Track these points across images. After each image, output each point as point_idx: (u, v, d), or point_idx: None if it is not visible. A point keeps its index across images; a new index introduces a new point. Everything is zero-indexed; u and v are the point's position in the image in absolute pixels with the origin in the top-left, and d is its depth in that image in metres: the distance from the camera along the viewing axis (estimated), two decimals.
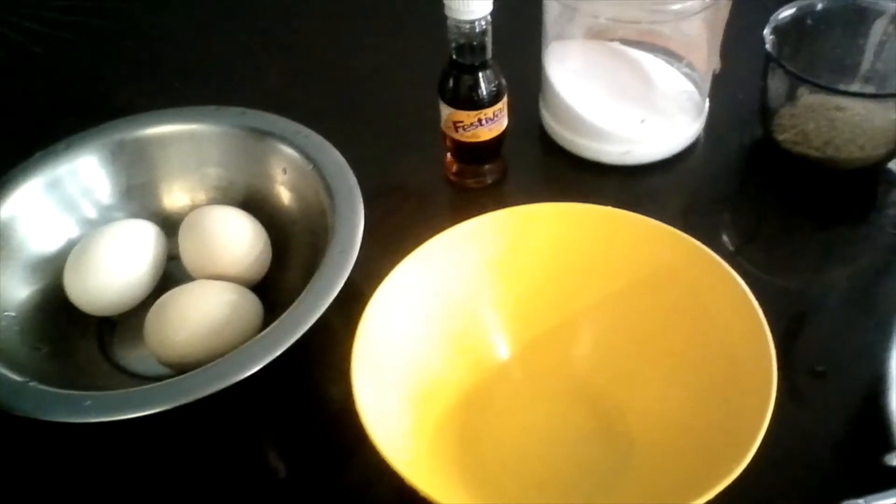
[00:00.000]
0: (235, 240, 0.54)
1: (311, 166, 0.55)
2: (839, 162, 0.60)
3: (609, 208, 0.49)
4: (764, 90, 0.62)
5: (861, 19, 0.62)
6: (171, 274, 0.56)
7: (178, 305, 0.51)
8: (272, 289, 0.55)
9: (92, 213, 0.57)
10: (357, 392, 0.41)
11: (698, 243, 0.47)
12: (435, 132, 0.61)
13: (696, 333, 0.46)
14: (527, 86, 0.66)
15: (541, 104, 0.67)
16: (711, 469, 0.38)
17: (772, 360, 0.41)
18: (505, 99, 0.58)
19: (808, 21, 0.62)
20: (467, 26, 0.54)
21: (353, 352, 0.43)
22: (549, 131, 0.66)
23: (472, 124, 0.58)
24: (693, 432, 0.43)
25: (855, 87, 0.63)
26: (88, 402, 0.44)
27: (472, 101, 0.57)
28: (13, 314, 0.52)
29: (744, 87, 0.65)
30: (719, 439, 0.41)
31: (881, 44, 0.63)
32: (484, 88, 0.57)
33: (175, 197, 0.59)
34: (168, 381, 0.45)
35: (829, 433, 0.48)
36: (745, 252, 0.58)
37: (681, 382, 0.46)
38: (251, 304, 0.52)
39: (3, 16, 0.84)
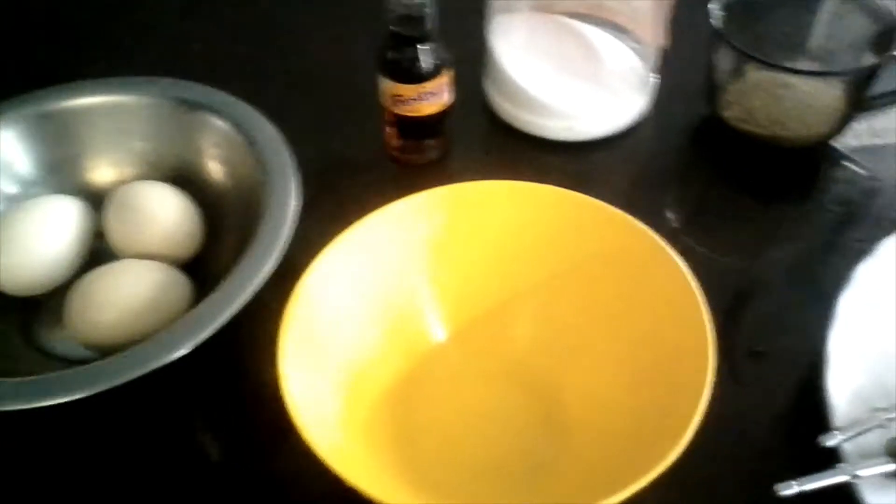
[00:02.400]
0: (163, 216, 0.52)
1: (243, 140, 0.52)
2: (785, 139, 0.60)
3: (551, 187, 0.48)
4: (710, 67, 0.61)
5: None
6: (97, 252, 0.53)
7: (101, 285, 0.48)
8: (204, 267, 0.53)
9: (12, 189, 0.54)
10: (284, 377, 0.40)
11: (639, 224, 0.46)
12: (375, 105, 0.59)
13: (635, 315, 0.45)
14: (471, 59, 0.64)
15: (485, 78, 0.65)
16: (650, 452, 0.38)
17: (709, 341, 0.40)
18: (448, 73, 0.57)
19: None
20: None
21: (280, 333, 0.41)
22: (494, 106, 0.65)
23: (413, 98, 0.56)
24: (631, 415, 0.43)
25: (802, 65, 0.63)
26: (6, 388, 0.42)
27: (412, 75, 0.55)
28: None
29: (691, 63, 0.64)
30: (657, 422, 0.40)
31: (828, 21, 0.62)
32: (425, 61, 0.55)
33: (101, 172, 0.56)
34: (89, 365, 0.43)
35: (768, 414, 0.47)
36: (690, 230, 0.58)
37: (620, 365, 0.45)
38: (179, 284, 0.50)
39: None
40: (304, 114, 0.64)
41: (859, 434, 0.41)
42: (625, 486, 0.36)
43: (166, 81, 0.56)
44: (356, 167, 0.62)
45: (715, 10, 0.58)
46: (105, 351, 0.47)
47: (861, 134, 0.63)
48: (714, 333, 0.41)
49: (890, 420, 0.42)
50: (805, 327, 0.50)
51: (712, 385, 0.39)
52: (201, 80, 0.57)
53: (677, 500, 0.42)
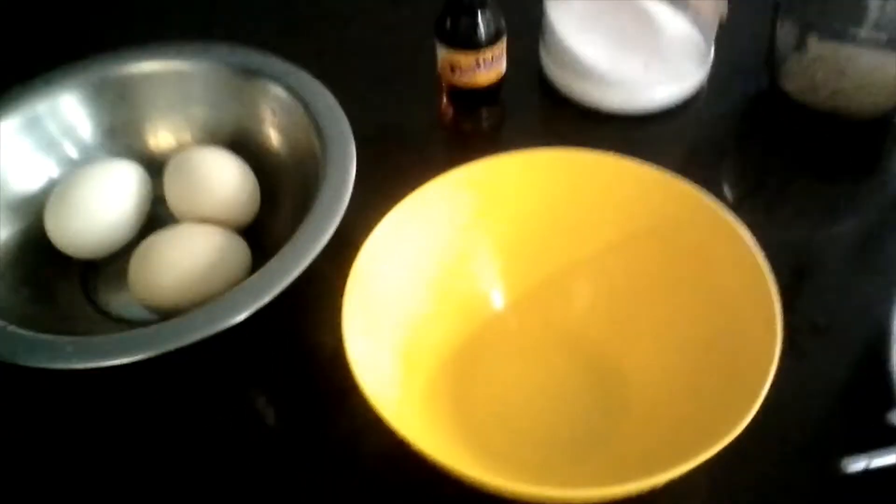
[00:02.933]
0: (222, 182, 0.52)
1: (301, 108, 0.52)
2: (847, 113, 0.59)
3: (609, 155, 0.48)
4: (772, 38, 0.60)
5: None
6: (156, 216, 0.54)
7: (163, 249, 0.49)
8: (261, 233, 0.53)
9: (73, 153, 0.55)
10: (348, 341, 0.40)
11: (701, 193, 0.45)
12: (431, 74, 0.59)
13: (696, 286, 0.45)
14: (526, 29, 0.64)
15: (541, 49, 0.65)
16: (710, 428, 0.37)
17: (776, 315, 0.39)
18: (504, 41, 0.56)
19: None
20: None
21: (343, 300, 0.41)
22: (550, 77, 0.64)
23: (469, 67, 0.56)
24: (691, 389, 0.42)
25: (865, 36, 0.61)
26: (70, 348, 0.43)
27: (470, 42, 0.55)
28: None
29: (750, 35, 0.63)
30: (719, 397, 0.40)
31: None
32: (483, 29, 0.55)
33: (160, 137, 0.57)
34: (152, 326, 0.44)
35: (831, 390, 0.47)
36: (747, 204, 0.57)
37: (680, 337, 0.44)
38: (239, 249, 0.50)
39: None
40: (358, 81, 0.64)
41: None
42: (683, 461, 0.36)
43: (224, 48, 0.56)
44: (410, 135, 0.62)
45: None
46: (166, 313, 0.48)
47: None
48: (780, 310, 0.40)
49: None
50: (867, 302, 0.50)
51: (778, 361, 0.38)
52: (257, 46, 0.57)
53: (736, 474, 0.42)
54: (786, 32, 0.59)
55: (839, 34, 0.56)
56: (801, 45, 0.58)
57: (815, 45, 0.58)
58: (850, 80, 0.57)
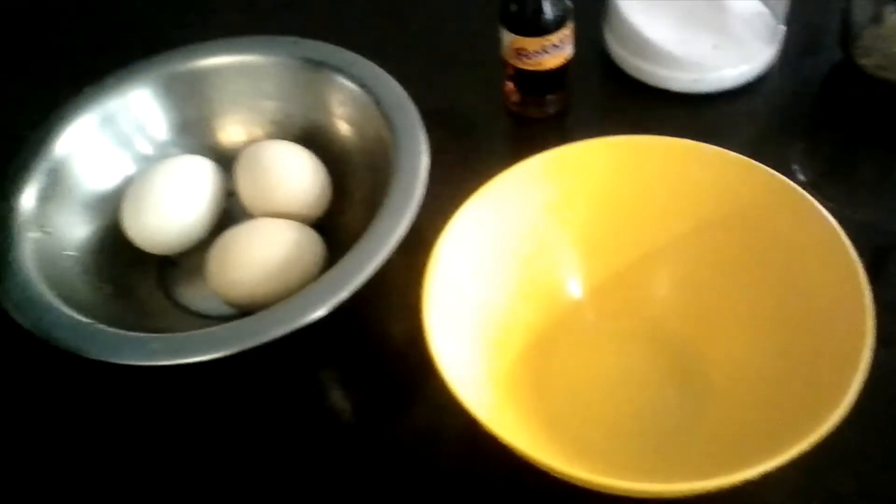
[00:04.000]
0: (294, 176, 0.52)
1: (370, 99, 0.52)
2: None
3: (683, 140, 0.47)
4: (846, 10, 0.58)
5: None
6: (228, 211, 0.55)
7: (241, 244, 0.49)
8: (333, 227, 0.53)
9: (147, 149, 0.56)
10: (430, 334, 0.40)
11: (780, 176, 0.44)
12: (494, 59, 0.59)
13: (779, 273, 0.44)
14: (589, 11, 0.63)
15: (605, 30, 0.64)
16: (796, 424, 0.36)
17: (867, 304, 0.38)
18: (571, 25, 0.55)
19: None
20: None
21: (423, 293, 0.41)
22: (615, 58, 0.63)
23: (535, 52, 0.55)
24: (777, 383, 0.41)
25: None
26: (155, 345, 0.44)
27: (536, 27, 0.54)
28: (74, 254, 0.51)
29: (821, 9, 0.61)
30: (806, 391, 0.39)
31: None
32: (549, 13, 0.54)
33: (231, 131, 0.57)
34: (235, 322, 0.44)
35: None
36: (822, 185, 0.55)
37: (763, 328, 0.44)
38: (314, 243, 0.50)
39: None
40: (422, 70, 0.63)
41: None
42: (766, 459, 0.34)
43: (291, 40, 0.56)
44: (475, 123, 0.62)
45: None
46: (244, 308, 0.48)
47: None
48: (872, 298, 0.39)
49: None
50: None
51: (871, 353, 0.37)
52: (320, 38, 0.57)
53: (825, 469, 0.41)
54: (861, 5, 0.57)
55: None
56: (877, 17, 0.57)
57: (893, 17, 0.56)
58: None
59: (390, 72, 0.54)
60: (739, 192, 0.45)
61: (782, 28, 0.61)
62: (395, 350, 0.51)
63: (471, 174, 0.47)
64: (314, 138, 0.55)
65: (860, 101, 0.60)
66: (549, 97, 0.60)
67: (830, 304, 0.41)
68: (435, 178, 0.49)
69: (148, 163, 0.55)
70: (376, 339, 0.51)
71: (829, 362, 0.39)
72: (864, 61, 0.58)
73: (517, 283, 0.47)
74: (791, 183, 0.44)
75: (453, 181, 0.47)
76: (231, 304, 0.50)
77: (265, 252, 0.48)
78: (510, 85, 0.59)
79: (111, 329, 0.45)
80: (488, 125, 0.62)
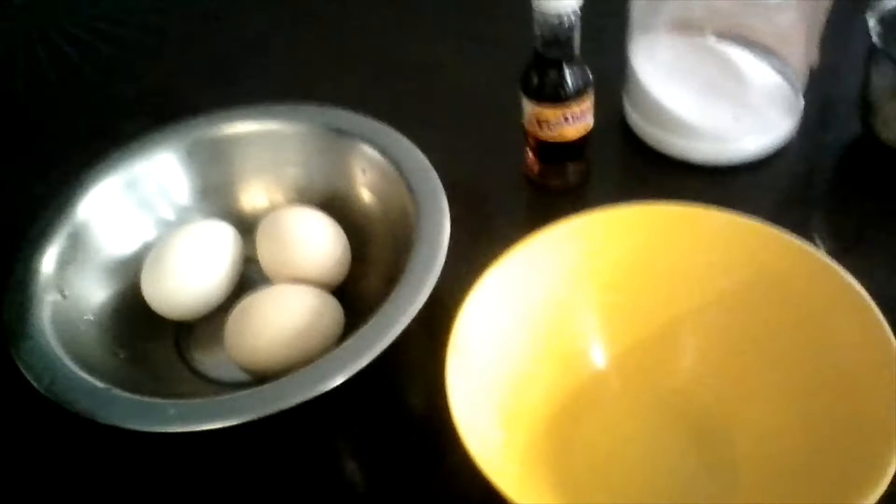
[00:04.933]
0: (315, 242, 0.52)
1: (392, 167, 0.53)
2: None
3: (706, 208, 0.47)
4: (866, 84, 0.58)
5: None
6: (247, 277, 0.54)
7: (259, 310, 0.49)
8: (352, 294, 0.53)
9: (169, 214, 0.56)
10: (453, 404, 0.39)
11: (808, 245, 0.44)
12: (514, 128, 0.59)
13: (808, 344, 0.43)
14: (607, 81, 0.63)
15: (625, 100, 0.64)
16: (831, 499, 0.35)
17: None
18: (591, 94, 0.56)
19: None
20: (555, 19, 0.52)
21: (446, 361, 0.41)
22: (635, 128, 0.63)
23: (557, 122, 0.56)
24: (807, 458, 0.40)
25: None
26: (172, 411, 0.43)
27: (558, 97, 0.55)
28: (91, 318, 0.51)
29: (840, 82, 0.62)
30: (840, 466, 0.38)
31: None
32: (571, 83, 0.55)
33: (252, 197, 0.58)
34: (253, 389, 0.44)
35: None
36: (845, 258, 0.55)
37: (792, 400, 0.43)
38: (333, 310, 0.50)
39: (75, 18, 0.83)
40: (442, 137, 0.63)
41: None
42: None
43: (314, 108, 0.57)
44: (495, 191, 0.62)
45: (873, 24, 0.56)
46: (261, 375, 0.48)
47: None
48: None
49: None
50: None
51: None
52: (345, 106, 0.57)
53: None
54: (881, 77, 0.57)
55: None
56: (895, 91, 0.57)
57: None
58: None
59: (413, 140, 0.54)
60: (766, 260, 0.45)
61: (802, 100, 0.62)
62: (413, 419, 0.50)
63: (491, 243, 0.47)
64: (336, 205, 0.55)
65: (882, 173, 0.60)
66: (570, 167, 0.60)
67: (862, 376, 0.40)
68: (455, 247, 0.49)
69: (169, 228, 0.55)
70: (395, 407, 0.50)
71: (863, 436, 0.38)
72: (885, 134, 0.58)
73: (540, 351, 0.46)
74: (819, 252, 0.43)
75: (473, 249, 0.47)
76: (248, 371, 0.49)
77: (283, 318, 0.48)
78: (531, 154, 0.60)
79: (128, 394, 0.44)
80: (509, 194, 0.62)
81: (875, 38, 0.55)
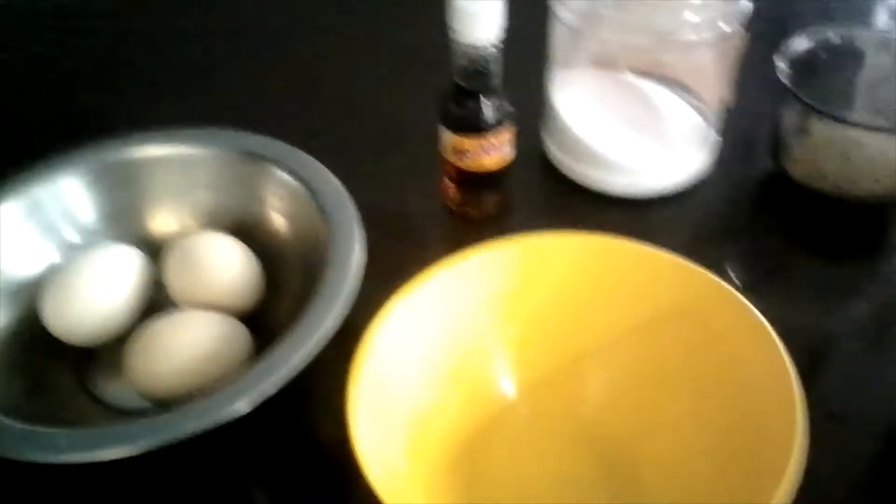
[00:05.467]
0: (224, 268, 0.51)
1: (306, 192, 0.52)
2: (854, 197, 0.58)
3: (620, 239, 0.47)
4: (777, 123, 0.60)
5: (875, 51, 0.61)
6: (156, 302, 0.53)
7: (161, 336, 0.48)
8: (264, 319, 0.52)
9: (74, 238, 0.54)
10: (354, 433, 0.38)
11: (714, 277, 0.45)
12: (434, 158, 0.59)
13: (714, 375, 0.43)
14: (529, 113, 0.64)
15: (544, 133, 0.65)
16: None
17: (798, 408, 0.38)
18: (511, 126, 0.56)
19: (822, 53, 0.60)
20: (474, 51, 0.52)
21: (349, 392, 0.40)
22: (554, 161, 0.64)
23: (474, 152, 0.56)
24: (711, 485, 0.40)
25: (870, 121, 0.61)
26: (63, 441, 0.41)
27: (476, 128, 0.55)
28: None
29: (753, 119, 0.63)
30: (738, 495, 0.38)
31: (894, 76, 0.61)
32: (489, 115, 0.55)
33: (162, 222, 0.56)
34: (150, 417, 0.42)
35: (847, 482, 0.45)
36: (755, 288, 0.55)
37: (696, 428, 0.43)
38: (239, 336, 0.49)
39: None
40: (361, 165, 0.63)
41: None
42: None
43: (227, 132, 0.56)
44: (413, 219, 0.62)
45: (781, 65, 0.58)
46: (163, 403, 0.46)
47: None
48: (804, 400, 0.39)
49: None
50: (884, 388, 0.48)
51: (804, 457, 0.37)
52: (259, 131, 0.57)
53: None
54: (790, 117, 0.59)
55: (842, 119, 0.56)
56: (804, 130, 0.58)
57: (819, 131, 0.58)
58: (855, 165, 0.57)
59: (332, 167, 0.54)
60: (676, 292, 0.45)
61: (717, 136, 0.63)
62: (323, 448, 0.49)
63: (407, 271, 0.46)
64: (248, 230, 0.54)
65: (793, 208, 0.61)
66: (488, 197, 0.60)
67: (763, 406, 0.40)
68: (371, 274, 0.48)
69: (73, 251, 0.53)
70: (305, 436, 0.49)
71: (761, 464, 0.38)
72: (794, 171, 0.60)
73: (448, 380, 0.46)
74: (725, 284, 0.44)
75: (389, 277, 0.46)
76: (150, 399, 0.47)
77: (186, 345, 0.47)
78: (449, 184, 0.60)
79: (17, 424, 0.42)
80: (428, 223, 0.62)
81: (784, 80, 0.57)
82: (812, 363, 0.52)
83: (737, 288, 0.53)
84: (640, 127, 0.61)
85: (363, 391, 0.40)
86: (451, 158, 0.57)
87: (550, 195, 0.64)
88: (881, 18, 0.77)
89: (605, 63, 0.62)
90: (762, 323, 0.42)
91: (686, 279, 0.45)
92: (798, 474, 0.36)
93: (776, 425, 0.39)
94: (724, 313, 0.43)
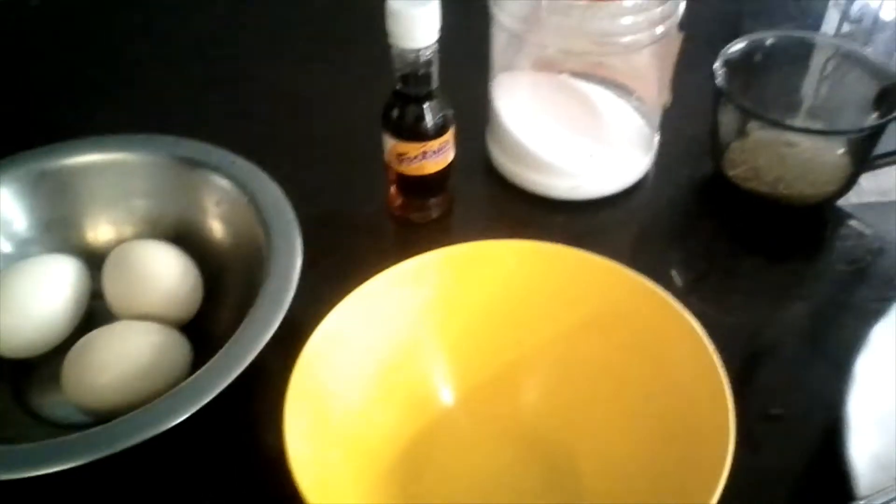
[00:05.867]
0: (163, 277, 0.50)
1: (246, 199, 0.52)
2: (790, 198, 0.59)
3: (557, 246, 0.47)
4: (714, 125, 0.61)
5: (809, 55, 0.62)
6: (95, 313, 0.52)
7: (98, 348, 0.47)
8: (205, 328, 0.51)
9: (7, 248, 0.53)
10: (289, 443, 0.38)
11: (649, 282, 0.45)
12: (378, 163, 0.59)
13: (648, 377, 0.44)
14: (473, 117, 0.64)
15: (487, 137, 0.65)
16: None
17: (728, 411, 0.39)
18: (452, 131, 0.56)
19: (758, 56, 0.61)
20: (412, 55, 0.52)
21: (286, 400, 0.40)
22: (497, 165, 0.64)
23: (416, 157, 0.56)
24: (646, 484, 0.41)
25: (805, 123, 0.63)
26: None
27: (417, 133, 0.55)
28: None
29: (694, 121, 0.64)
30: (674, 492, 0.39)
31: (829, 80, 0.62)
32: (430, 120, 0.55)
33: (100, 231, 0.55)
34: (86, 432, 0.41)
35: (786, 481, 0.46)
36: (697, 289, 0.57)
37: (633, 430, 0.43)
38: (179, 346, 0.48)
39: None
40: (305, 172, 0.63)
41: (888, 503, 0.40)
42: None
43: (166, 139, 0.56)
44: (358, 225, 0.61)
45: (718, 68, 0.58)
46: (102, 416, 0.45)
47: (867, 192, 0.62)
48: (732, 400, 0.39)
49: None
50: (820, 389, 0.49)
51: (732, 456, 0.37)
52: (201, 138, 0.56)
53: None
54: (727, 120, 0.60)
55: (777, 122, 0.57)
56: (742, 132, 0.59)
57: (756, 133, 0.59)
58: (790, 167, 0.58)
59: (277, 173, 0.54)
60: (611, 297, 0.46)
61: (657, 138, 0.64)
62: (269, 458, 0.48)
63: (353, 276, 0.46)
64: (187, 238, 0.54)
65: (731, 208, 0.62)
66: (432, 201, 0.60)
67: (696, 408, 0.41)
68: (315, 279, 0.48)
69: (8, 261, 0.52)
70: (250, 446, 0.49)
71: (695, 466, 0.39)
72: (732, 172, 0.61)
73: (389, 388, 0.46)
74: (658, 289, 0.44)
75: (335, 282, 0.46)
76: (87, 412, 0.47)
77: (124, 356, 0.46)
78: (393, 189, 0.60)
79: None
80: (373, 227, 0.61)
81: (719, 81, 0.58)
82: (751, 364, 0.53)
83: (678, 290, 0.54)
84: (582, 129, 0.62)
85: (299, 402, 0.40)
86: (394, 164, 0.57)
87: (494, 199, 0.64)
88: (832, 21, 0.79)
89: (547, 66, 0.62)
90: (693, 326, 0.42)
91: (620, 284, 0.45)
92: (724, 476, 0.37)
93: (708, 426, 0.39)
94: (656, 317, 0.44)
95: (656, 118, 0.63)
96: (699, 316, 0.43)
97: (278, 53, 0.79)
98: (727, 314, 0.55)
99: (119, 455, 0.40)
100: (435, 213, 0.60)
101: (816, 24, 0.78)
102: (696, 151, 0.64)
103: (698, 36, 0.61)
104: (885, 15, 0.76)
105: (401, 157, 0.56)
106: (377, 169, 0.59)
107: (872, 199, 0.62)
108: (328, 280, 0.47)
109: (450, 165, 0.58)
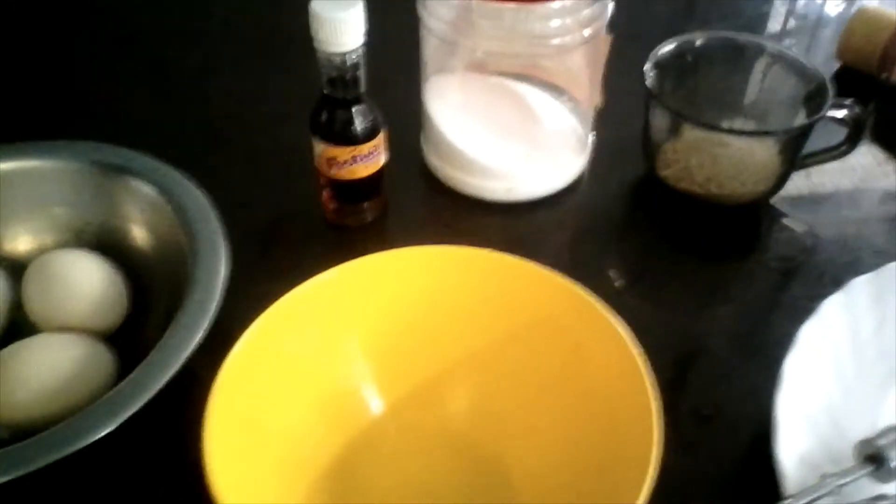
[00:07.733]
0: (86, 287, 0.49)
1: (169, 206, 0.50)
2: (722, 198, 0.60)
3: (486, 251, 0.47)
4: (646, 126, 0.61)
5: (739, 56, 0.62)
6: (16, 325, 0.51)
7: (18, 362, 0.46)
8: (130, 337, 0.50)
9: None
10: (210, 457, 0.37)
11: (577, 287, 0.45)
12: (311, 169, 0.58)
13: (576, 383, 0.44)
14: (407, 120, 0.64)
15: (422, 140, 0.64)
16: None
17: (653, 413, 0.39)
18: (382, 134, 0.56)
19: (689, 57, 0.62)
20: (338, 59, 0.51)
21: (206, 416, 0.39)
22: (431, 167, 0.64)
23: (347, 161, 0.55)
24: (575, 487, 0.41)
25: (736, 123, 0.63)
26: None
27: (346, 137, 0.54)
28: None
29: (627, 122, 0.64)
30: (604, 494, 0.39)
31: (760, 80, 0.63)
32: (359, 124, 0.54)
33: (20, 240, 0.54)
34: (5, 449, 0.40)
35: (717, 481, 0.46)
36: (631, 289, 0.57)
37: (562, 435, 0.43)
38: (102, 358, 0.47)
39: None
40: (238, 179, 0.62)
41: (812, 502, 0.40)
42: None
43: (87, 145, 0.54)
44: (293, 231, 0.61)
45: (649, 70, 0.59)
46: (23, 431, 0.44)
47: (799, 190, 0.63)
48: (659, 402, 0.39)
49: (841, 486, 0.41)
50: (751, 389, 0.50)
51: (659, 459, 0.37)
52: (124, 144, 0.55)
53: None
54: (659, 121, 0.60)
55: (706, 124, 0.58)
56: (674, 132, 0.60)
57: (688, 133, 0.59)
58: (722, 167, 0.58)
59: (204, 181, 0.53)
60: (539, 303, 0.45)
61: (591, 140, 0.64)
62: (193, 467, 0.47)
63: (286, 282, 0.45)
64: (110, 246, 0.53)
65: (665, 209, 0.62)
66: (366, 205, 0.59)
67: (623, 412, 0.41)
68: (247, 286, 0.47)
69: None
70: (178, 459, 0.47)
71: (623, 467, 0.38)
72: (665, 173, 0.61)
73: (315, 398, 0.45)
74: (585, 293, 0.44)
75: (267, 289, 0.45)
76: (9, 427, 0.45)
77: (44, 370, 0.45)
78: (325, 193, 0.59)
79: None
80: (307, 233, 0.60)
81: (649, 82, 0.58)
82: (683, 364, 0.53)
83: (613, 290, 0.54)
84: (516, 131, 0.62)
85: (223, 415, 0.39)
86: (324, 168, 0.56)
87: (430, 202, 0.64)
88: (778, 16, 0.80)
89: (480, 68, 0.62)
90: (617, 329, 0.42)
91: (547, 289, 0.45)
92: (651, 476, 0.37)
93: (635, 428, 0.39)
94: (583, 322, 0.44)
95: (590, 119, 0.63)
96: (631, 316, 0.43)
97: (207, 57, 0.77)
98: (660, 314, 0.55)
99: (41, 472, 0.39)
100: (370, 217, 0.60)
101: (755, 24, 0.79)
102: (631, 152, 0.64)
103: (634, 37, 0.61)
104: (830, 10, 0.77)
105: (331, 161, 0.55)
106: (309, 174, 0.58)
107: (805, 196, 0.63)
108: (260, 287, 0.46)
109: (382, 169, 0.57)
